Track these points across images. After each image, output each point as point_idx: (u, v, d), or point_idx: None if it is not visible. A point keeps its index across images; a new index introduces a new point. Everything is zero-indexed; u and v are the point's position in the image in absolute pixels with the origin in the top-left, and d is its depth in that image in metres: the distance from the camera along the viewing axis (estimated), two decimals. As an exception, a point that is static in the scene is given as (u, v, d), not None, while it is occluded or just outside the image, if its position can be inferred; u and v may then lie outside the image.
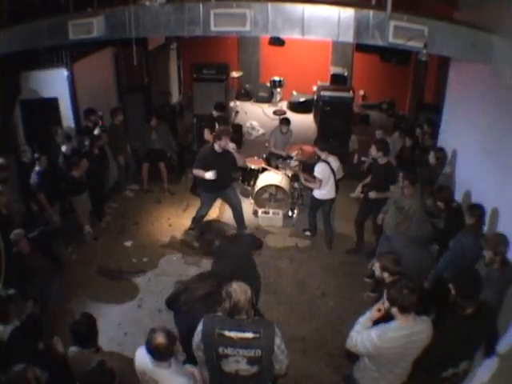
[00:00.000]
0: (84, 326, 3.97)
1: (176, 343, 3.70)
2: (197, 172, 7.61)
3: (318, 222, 8.32)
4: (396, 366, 3.94)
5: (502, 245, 4.75)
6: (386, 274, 4.61)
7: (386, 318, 3.92)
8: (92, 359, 3.71)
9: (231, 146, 7.69)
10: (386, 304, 3.83)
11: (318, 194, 7.79)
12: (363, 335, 3.86)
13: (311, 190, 8.05)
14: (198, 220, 8.33)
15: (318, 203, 7.96)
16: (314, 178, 7.68)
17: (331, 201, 7.89)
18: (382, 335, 3.75)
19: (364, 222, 7.73)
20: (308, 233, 8.45)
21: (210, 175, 7.37)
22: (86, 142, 8.12)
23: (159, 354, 3.57)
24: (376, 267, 4.73)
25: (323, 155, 7.66)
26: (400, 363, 3.93)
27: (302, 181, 8.07)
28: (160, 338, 3.53)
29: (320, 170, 7.59)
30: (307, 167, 8.59)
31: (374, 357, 3.91)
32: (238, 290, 3.63)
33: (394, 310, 3.77)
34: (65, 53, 8.16)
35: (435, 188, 6.30)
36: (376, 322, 3.96)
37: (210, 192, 7.92)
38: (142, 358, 3.74)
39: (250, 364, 3.73)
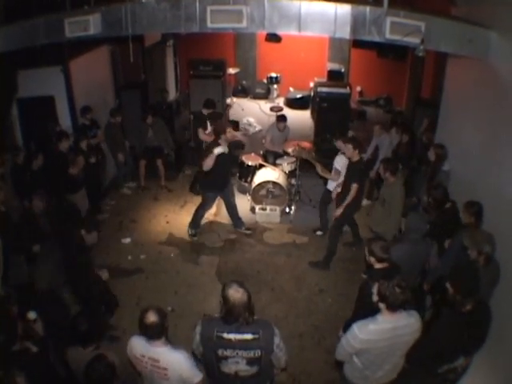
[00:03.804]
0: (84, 324, 3.97)
1: (167, 320, 3.75)
2: (208, 161, 7.29)
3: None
4: (384, 361, 3.96)
5: (486, 245, 4.60)
6: (372, 259, 4.76)
7: (372, 311, 3.95)
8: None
9: (238, 134, 7.59)
10: (375, 298, 3.86)
11: (334, 185, 7.81)
12: (346, 334, 3.90)
13: (326, 183, 8.18)
14: (197, 222, 8.29)
15: (331, 196, 7.99)
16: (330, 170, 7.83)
17: None
18: (362, 327, 3.80)
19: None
20: (320, 232, 8.40)
21: (218, 150, 7.24)
22: (83, 145, 8.05)
23: (152, 331, 3.63)
24: (365, 250, 4.88)
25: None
26: (388, 358, 3.95)
27: (320, 172, 8.03)
28: (152, 317, 3.60)
29: (341, 161, 7.59)
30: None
31: (361, 353, 3.92)
32: (235, 296, 3.58)
33: (382, 306, 3.79)
34: (61, 51, 8.12)
35: (432, 184, 6.28)
36: (362, 317, 3.99)
37: (214, 191, 7.82)
38: (137, 342, 3.79)
39: (250, 364, 3.74)
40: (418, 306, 5.88)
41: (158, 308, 3.71)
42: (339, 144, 7.65)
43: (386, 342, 3.79)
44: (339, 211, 7.26)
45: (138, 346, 3.77)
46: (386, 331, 3.77)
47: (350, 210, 7.28)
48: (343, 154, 7.55)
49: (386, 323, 3.78)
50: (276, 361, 3.89)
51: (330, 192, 7.93)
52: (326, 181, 8.30)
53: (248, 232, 8.44)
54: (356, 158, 7.08)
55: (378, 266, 4.75)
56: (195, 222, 8.28)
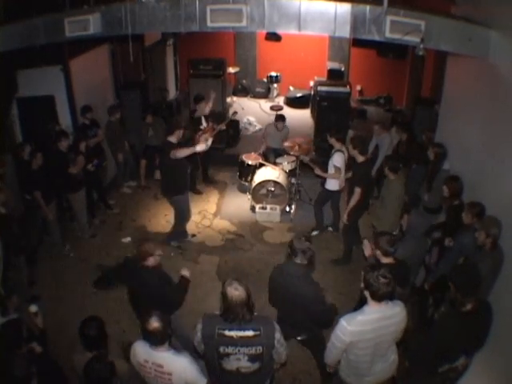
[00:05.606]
0: (93, 329, 3.98)
1: (170, 326, 3.76)
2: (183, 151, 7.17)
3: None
4: (374, 355, 3.96)
5: (494, 227, 4.74)
6: (378, 252, 4.83)
7: (360, 304, 4.00)
8: None
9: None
10: (362, 284, 3.89)
11: (333, 184, 7.81)
12: (335, 330, 3.91)
13: (322, 183, 8.14)
14: (183, 229, 7.98)
15: (328, 195, 7.99)
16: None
17: (339, 192, 7.96)
18: (350, 319, 3.83)
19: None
20: (315, 232, 8.35)
21: (201, 147, 7.28)
22: (82, 146, 8.00)
23: (156, 338, 3.64)
24: (372, 244, 4.99)
25: (338, 145, 7.68)
26: (377, 351, 3.95)
27: (319, 172, 7.97)
28: (155, 323, 3.60)
29: (340, 159, 7.59)
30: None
31: (350, 348, 3.92)
32: (233, 294, 3.61)
33: (366, 294, 3.82)
34: (61, 50, 8.12)
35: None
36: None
37: (186, 192, 7.70)
38: (140, 348, 3.79)
39: (251, 361, 3.75)
40: (421, 305, 5.92)
41: (161, 314, 3.70)
42: (333, 141, 7.68)
43: (373, 333, 3.81)
44: (345, 217, 7.29)
45: (142, 351, 3.77)
46: (375, 321, 3.80)
47: (356, 212, 7.26)
48: (340, 151, 7.58)
49: (373, 313, 3.81)
50: (277, 356, 3.92)
51: (328, 192, 7.92)
52: (323, 180, 8.21)
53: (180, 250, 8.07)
54: (360, 158, 7.05)
55: (384, 260, 4.79)
56: (181, 229, 7.94)
